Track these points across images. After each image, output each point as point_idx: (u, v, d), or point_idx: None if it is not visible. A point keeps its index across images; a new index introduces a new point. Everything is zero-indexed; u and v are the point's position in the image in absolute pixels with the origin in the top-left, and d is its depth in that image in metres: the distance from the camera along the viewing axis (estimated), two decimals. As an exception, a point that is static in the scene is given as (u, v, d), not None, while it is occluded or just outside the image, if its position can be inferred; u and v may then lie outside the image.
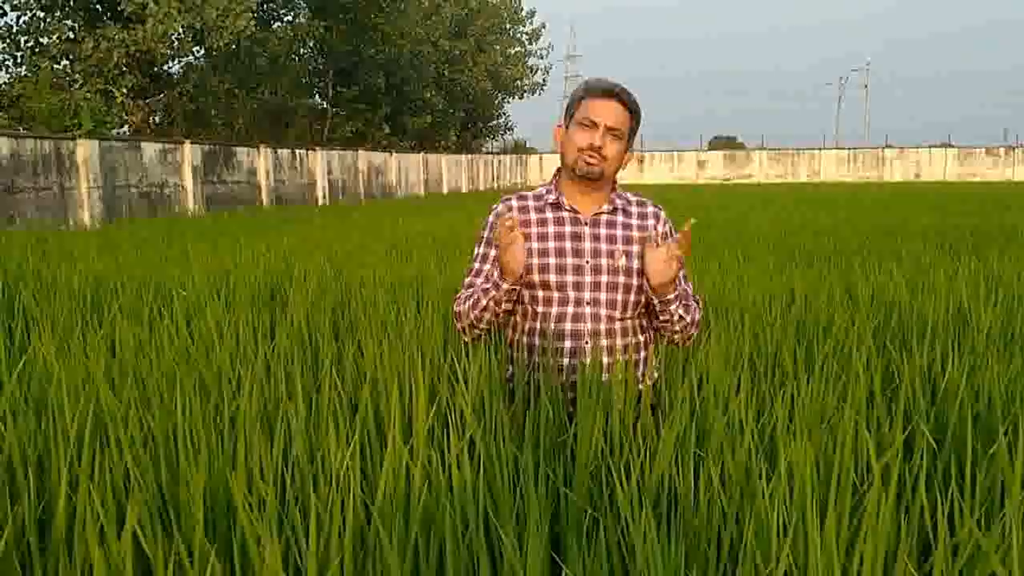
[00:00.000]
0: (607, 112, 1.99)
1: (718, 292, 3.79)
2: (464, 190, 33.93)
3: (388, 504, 1.45)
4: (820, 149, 42.40)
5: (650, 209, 2.14)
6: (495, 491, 1.51)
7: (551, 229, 2.07)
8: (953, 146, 40.76)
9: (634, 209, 2.12)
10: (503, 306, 2.01)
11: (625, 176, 43.22)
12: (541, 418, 1.74)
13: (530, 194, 2.14)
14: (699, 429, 1.73)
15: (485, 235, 2.14)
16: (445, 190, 32.18)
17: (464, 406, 1.77)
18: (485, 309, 2.01)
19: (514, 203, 2.12)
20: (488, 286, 2.00)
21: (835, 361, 2.23)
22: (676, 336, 2.06)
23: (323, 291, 3.88)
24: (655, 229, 2.10)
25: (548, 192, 2.11)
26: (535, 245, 2.05)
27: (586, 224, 2.06)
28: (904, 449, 1.70)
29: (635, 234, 2.08)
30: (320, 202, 22.15)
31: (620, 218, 2.09)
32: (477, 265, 2.14)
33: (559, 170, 2.12)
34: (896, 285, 3.62)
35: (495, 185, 38.39)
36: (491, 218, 2.13)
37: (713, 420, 1.70)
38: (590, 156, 2.00)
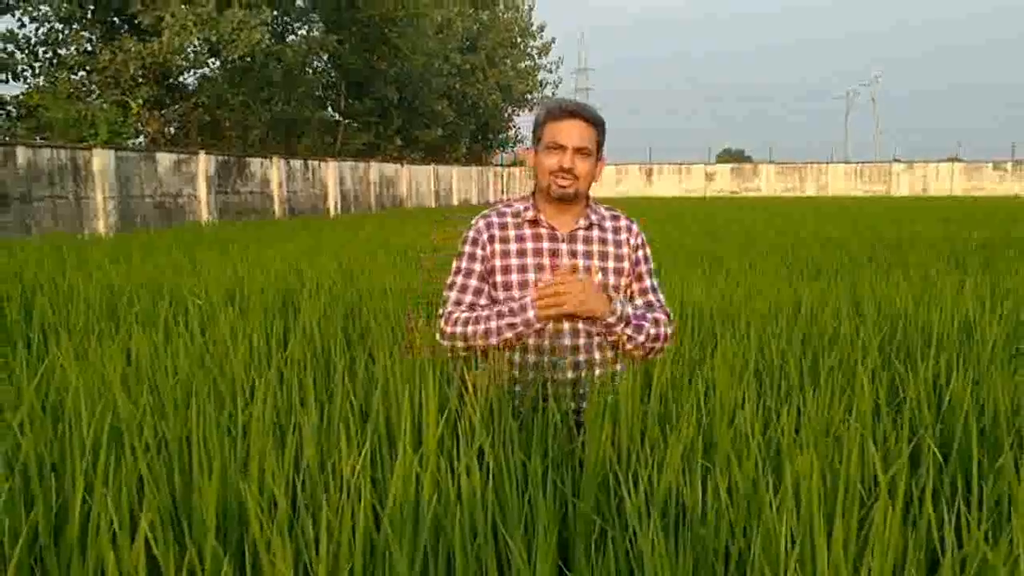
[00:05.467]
0: (572, 133, 2.02)
1: (725, 302, 3.79)
2: (475, 202, 34.01)
3: (398, 512, 1.47)
4: (828, 163, 42.25)
5: (623, 223, 2.17)
6: (503, 500, 1.53)
7: (529, 245, 2.09)
8: (961, 160, 40.55)
9: (608, 224, 2.15)
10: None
11: (633, 189, 43.12)
12: (548, 428, 1.76)
13: (508, 210, 2.15)
14: (706, 440, 1.74)
15: (467, 250, 2.14)
16: (455, 201, 32.27)
17: (473, 415, 1.78)
18: (500, 335, 2.00)
19: (494, 219, 2.13)
20: (516, 320, 1.99)
21: (841, 373, 2.23)
22: (636, 353, 2.06)
23: (335, 300, 3.90)
24: (628, 243, 2.13)
25: (526, 209, 2.12)
26: (514, 261, 2.08)
27: (563, 240, 2.09)
28: (910, 462, 1.71)
29: (610, 249, 2.11)
30: (332, 213, 22.26)
31: (596, 233, 2.12)
32: (461, 280, 2.13)
33: (535, 190, 2.14)
34: (903, 297, 3.61)
35: (505, 197, 38.42)
36: (471, 233, 2.14)
37: (720, 432, 1.70)
38: (562, 178, 2.03)
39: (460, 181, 33.44)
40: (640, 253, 2.16)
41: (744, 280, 4.96)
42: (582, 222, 2.11)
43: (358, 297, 4.08)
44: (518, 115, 43.12)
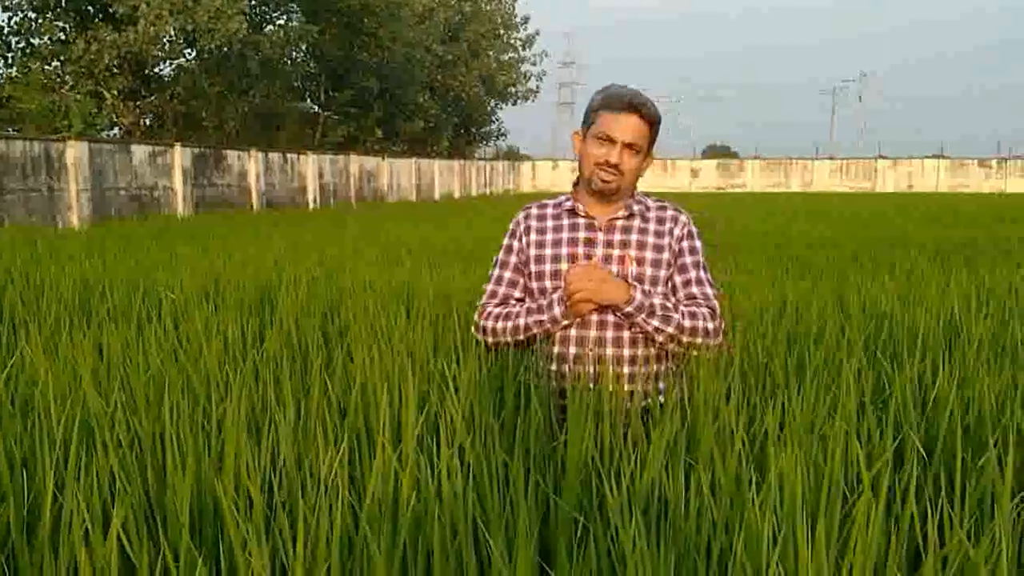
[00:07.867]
0: (625, 128, 1.95)
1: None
2: (456, 196, 33.91)
3: (376, 510, 1.44)
4: (813, 159, 42.55)
5: (669, 214, 2.09)
6: (484, 499, 1.50)
7: (565, 235, 2.06)
8: (946, 157, 40.97)
9: (652, 214, 2.08)
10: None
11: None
12: (531, 425, 1.74)
13: (550, 202, 2.15)
14: (689, 437, 1.73)
15: (505, 242, 2.15)
16: (437, 196, 32.16)
17: (454, 413, 1.76)
18: (528, 331, 2.02)
19: (533, 210, 2.14)
20: (543, 318, 1.99)
21: (826, 371, 2.23)
22: (672, 347, 1.99)
23: (313, 296, 3.86)
24: (671, 234, 2.06)
25: (567, 199, 2.11)
26: (548, 251, 2.06)
27: (600, 230, 2.05)
28: (894, 459, 1.71)
29: (650, 239, 2.04)
30: (311, 206, 22.11)
31: (637, 223, 2.05)
32: (496, 273, 2.15)
33: (579, 178, 2.10)
34: (888, 296, 3.63)
35: (487, 191, 38.38)
36: (511, 225, 2.15)
37: (703, 428, 1.69)
38: (606, 172, 1.98)
39: (442, 175, 33.32)
40: (684, 244, 2.07)
41: (729, 278, 4.97)
42: (621, 212, 2.05)
43: (338, 293, 4.03)
44: (501, 108, 43.02)
